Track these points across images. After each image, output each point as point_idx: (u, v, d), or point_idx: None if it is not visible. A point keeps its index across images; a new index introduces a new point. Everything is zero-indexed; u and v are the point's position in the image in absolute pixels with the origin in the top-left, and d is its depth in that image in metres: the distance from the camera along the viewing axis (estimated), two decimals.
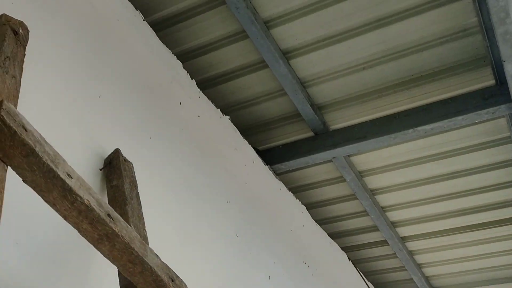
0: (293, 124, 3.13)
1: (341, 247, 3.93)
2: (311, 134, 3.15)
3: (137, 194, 1.64)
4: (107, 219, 1.16)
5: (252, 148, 2.97)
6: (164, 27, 2.65)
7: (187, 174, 2.24)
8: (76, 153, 1.66)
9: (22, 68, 1.36)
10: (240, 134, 2.89)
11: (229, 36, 2.70)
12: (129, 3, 2.26)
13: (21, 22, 1.52)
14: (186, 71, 2.55)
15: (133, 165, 1.79)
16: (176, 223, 2.03)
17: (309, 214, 3.46)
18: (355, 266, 4.07)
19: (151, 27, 2.43)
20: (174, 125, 2.29)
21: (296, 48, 2.73)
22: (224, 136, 2.70)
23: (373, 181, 3.48)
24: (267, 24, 2.63)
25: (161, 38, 2.53)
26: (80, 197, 1.10)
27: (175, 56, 2.51)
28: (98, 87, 1.87)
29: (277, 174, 3.23)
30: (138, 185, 1.80)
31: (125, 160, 1.74)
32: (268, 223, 2.85)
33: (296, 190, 3.53)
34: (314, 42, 2.70)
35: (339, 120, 3.08)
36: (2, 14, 1.49)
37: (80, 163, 1.66)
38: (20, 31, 1.46)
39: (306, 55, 2.76)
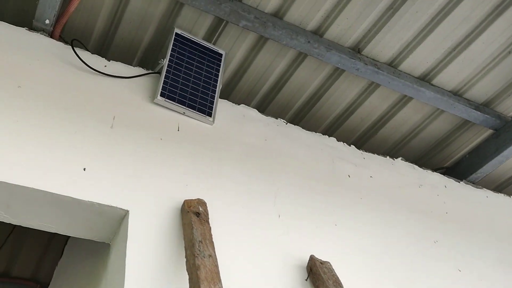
0: (467, 131, 3.06)
1: None
2: (490, 132, 3.04)
3: None
4: None
5: (438, 175, 2.97)
6: (304, 115, 2.90)
7: (381, 237, 2.36)
8: (283, 273, 1.94)
9: (212, 241, 1.70)
10: (418, 167, 2.92)
11: (364, 91, 2.83)
12: (268, 117, 2.56)
13: (199, 200, 1.89)
14: (341, 142, 2.73)
15: (331, 263, 2.01)
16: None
17: None
18: None
19: (293, 123, 2.70)
20: (350, 198, 2.46)
21: (431, 69, 2.73)
22: (403, 178, 2.77)
23: None
24: (392, 65, 2.70)
25: (304, 124, 2.78)
26: None
27: (326, 135, 2.71)
28: (275, 207, 2.16)
29: (475, 183, 3.14)
30: (343, 273, 2.01)
31: (321, 262, 1.96)
32: (489, 240, 2.77)
33: (504, 186, 3.37)
34: (446, 55, 2.67)
35: None
36: (184, 202, 1.88)
37: (290, 281, 1.93)
38: (200, 209, 1.82)
39: (445, 69, 2.73)
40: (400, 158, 2.93)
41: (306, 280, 1.95)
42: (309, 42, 2.48)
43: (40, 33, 2.18)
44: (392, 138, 3.08)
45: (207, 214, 1.84)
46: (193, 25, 2.47)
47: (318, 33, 2.54)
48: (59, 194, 1.72)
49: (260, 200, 2.14)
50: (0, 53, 2.01)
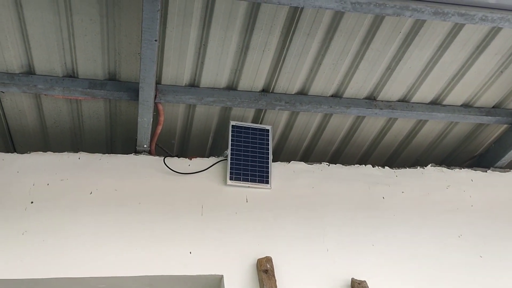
0: (486, 128, 3.64)
1: None
2: (506, 126, 3.59)
3: None
4: None
5: (466, 171, 3.58)
6: (341, 152, 3.70)
7: (410, 247, 3.14)
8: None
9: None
10: (447, 168, 3.58)
11: (387, 122, 3.53)
12: (313, 164, 3.39)
13: (267, 258, 2.83)
14: (376, 167, 3.47)
15: (367, 281, 2.87)
16: None
17: None
18: None
19: (334, 162, 3.51)
20: (385, 218, 3.24)
21: (438, 95, 3.35)
22: (432, 184, 3.44)
23: None
24: (405, 100, 3.36)
25: (343, 159, 3.55)
26: None
27: (363, 165, 3.48)
28: (324, 244, 3.03)
29: (503, 168, 3.73)
30: (379, 286, 2.87)
31: (359, 282, 2.83)
32: None
33: None
34: (449, 83, 3.28)
35: None
36: (257, 261, 2.84)
37: None
38: (268, 266, 2.77)
39: (452, 91, 3.34)
40: (430, 164, 3.61)
41: None
42: (331, 107, 3.24)
43: (143, 154, 3.20)
44: (421, 148, 3.76)
45: (273, 269, 2.79)
46: (243, 114, 3.33)
47: (337, 95, 3.28)
48: (178, 275, 2.76)
49: (312, 241, 3.03)
50: (121, 178, 3.06)
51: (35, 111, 3.15)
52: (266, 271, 2.75)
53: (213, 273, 2.80)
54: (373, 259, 3.04)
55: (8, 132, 3.29)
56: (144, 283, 2.82)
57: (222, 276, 2.80)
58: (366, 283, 2.85)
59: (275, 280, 2.73)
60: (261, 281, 2.71)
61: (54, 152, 3.14)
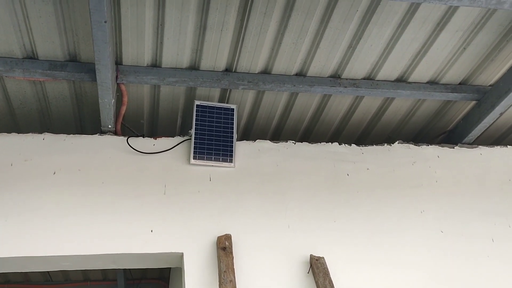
0: (454, 105, 3.66)
1: None
2: (474, 102, 3.60)
3: (330, 280, 2.77)
4: None
5: (432, 147, 3.61)
6: (311, 131, 3.71)
7: (373, 222, 3.18)
8: (293, 270, 2.89)
9: (233, 268, 2.70)
10: (414, 145, 3.60)
11: (355, 100, 3.54)
12: (279, 142, 3.42)
13: (226, 235, 2.89)
14: (343, 144, 3.50)
15: (325, 257, 2.92)
16: None
17: None
18: None
19: (302, 141, 3.53)
20: (348, 195, 3.28)
21: (404, 72, 3.36)
22: (398, 161, 3.47)
23: None
24: (370, 77, 3.37)
25: (313, 138, 3.58)
26: None
27: (330, 143, 3.50)
28: (286, 220, 3.08)
29: (471, 144, 3.75)
30: (337, 262, 2.93)
31: (317, 259, 2.88)
32: (476, 196, 3.43)
33: (503, 137, 3.92)
34: (414, 58, 3.28)
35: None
36: (217, 238, 2.89)
37: (297, 274, 2.89)
38: (226, 243, 2.82)
39: (416, 68, 3.34)
40: (398, 141, 3.63)
41: (308, 273, 2.91)
42: (294, 85, 3.25)
43: (108, 134, 3.23)
44: (391, 125, 3.78)
45: (231, 246, 2.84)
46: (208, 93, 3.35)
47: (301, 74, 3.29)
48: (140, 253, 2.83)
49: (273, 219, 3.08)
50: (85, 158, 3.10)
51: (0, 92, 3.17)
52: (224, 249, 2.81)
53: (173, 251, 2.86)
54: (333, 235, 3.09)
55: None
56: (107, 261, 2.90)
57: (182, 253, 2.86)
58: (324, 260, 2.91)
59: (232, 257, 2.79)
60: (219, 258, 2.77)
61: (24, 133, 3.18)
